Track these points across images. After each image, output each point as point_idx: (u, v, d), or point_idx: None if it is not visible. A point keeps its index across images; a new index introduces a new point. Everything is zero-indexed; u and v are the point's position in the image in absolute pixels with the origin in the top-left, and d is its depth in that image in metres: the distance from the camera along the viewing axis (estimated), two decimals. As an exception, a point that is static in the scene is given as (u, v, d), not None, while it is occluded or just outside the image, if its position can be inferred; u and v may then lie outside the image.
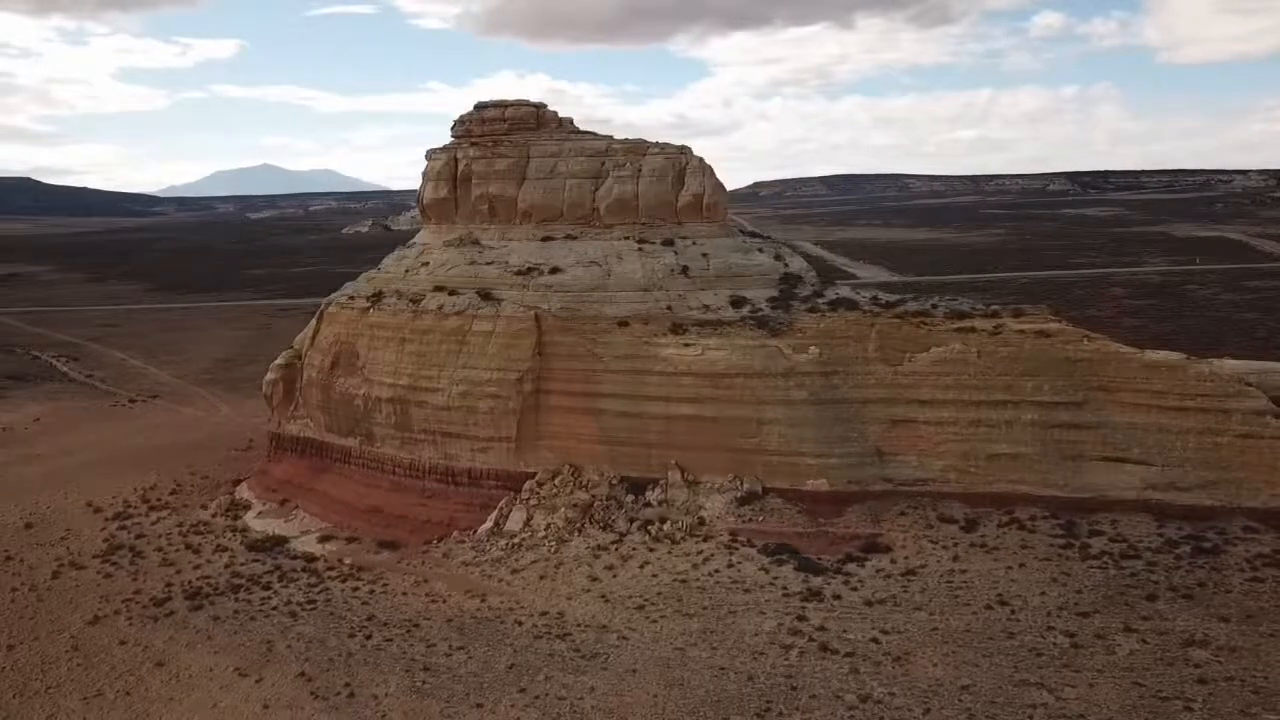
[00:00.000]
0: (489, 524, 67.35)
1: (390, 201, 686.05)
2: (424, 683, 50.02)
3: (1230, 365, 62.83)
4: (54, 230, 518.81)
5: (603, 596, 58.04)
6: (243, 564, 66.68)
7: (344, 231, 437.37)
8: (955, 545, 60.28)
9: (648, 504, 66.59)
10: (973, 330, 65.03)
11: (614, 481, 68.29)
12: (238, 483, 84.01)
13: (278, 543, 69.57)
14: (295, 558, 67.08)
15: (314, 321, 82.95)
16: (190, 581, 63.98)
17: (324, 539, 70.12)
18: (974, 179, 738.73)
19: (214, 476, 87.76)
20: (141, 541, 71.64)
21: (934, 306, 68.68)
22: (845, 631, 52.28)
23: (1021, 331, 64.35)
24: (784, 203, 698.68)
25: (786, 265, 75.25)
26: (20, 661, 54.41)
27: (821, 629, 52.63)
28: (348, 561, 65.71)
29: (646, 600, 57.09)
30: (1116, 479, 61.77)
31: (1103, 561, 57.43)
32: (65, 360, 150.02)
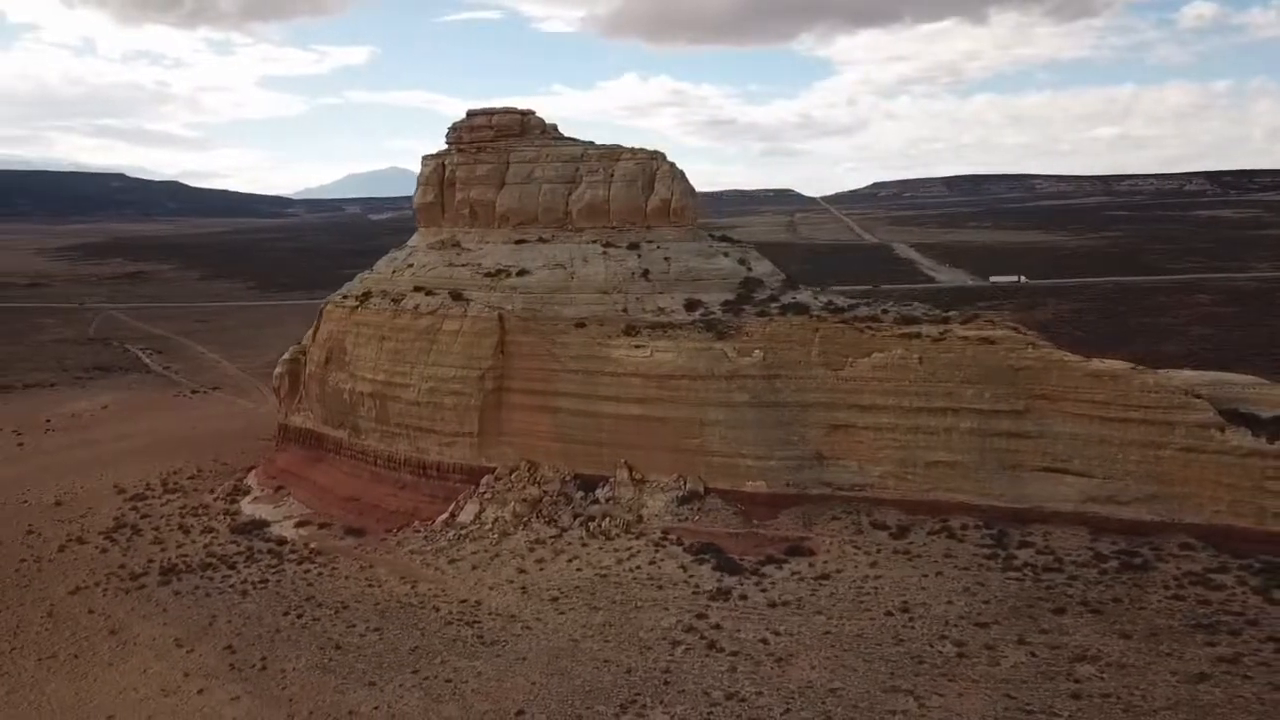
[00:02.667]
0: (445, 515, 70.22)
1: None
2: (330, 660, 53.14)
3: (1181, 376, 60.27)
4: (190, 231, 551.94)
5: (523, 588, 60.06)
6: (220, 545, 71.43)
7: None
8: (878, 551, 59.97)
9: (595, 501, 68.25)
10: (917, 336, 64.22)
11: (567, 478, 70.16)
12: (250, 470, 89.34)
13: (259, 526, 74.14)
14: (268, 540, 71.41)
15: (317, 319, 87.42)
16: (170, 559, 69.03)
17: (300, 524, 74.30)
18: (1104, 179, 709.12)
19: (234, 463, 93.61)
20: (144, 521, 77.43)
21: (884, 312, 68.06)
22: (738, 631, 52.90)
23: (965, 338, 63.23)
24: (900, 204, 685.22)
25: (749, 269, 75.54)
26: (-2, 625, 60.04)
27: (716, 627, 53.38)
28: (311, 545, 69.62)
29: (562, 593, 58.85)
30: (1055, 490, 60.27)
31: (1022, 573, 56.28)
32: (151, 353, 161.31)
